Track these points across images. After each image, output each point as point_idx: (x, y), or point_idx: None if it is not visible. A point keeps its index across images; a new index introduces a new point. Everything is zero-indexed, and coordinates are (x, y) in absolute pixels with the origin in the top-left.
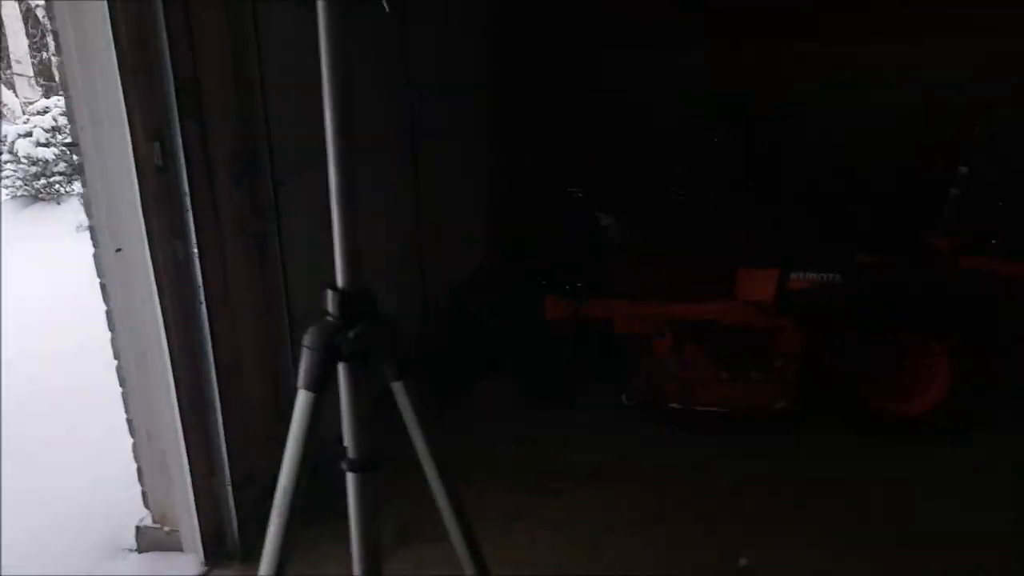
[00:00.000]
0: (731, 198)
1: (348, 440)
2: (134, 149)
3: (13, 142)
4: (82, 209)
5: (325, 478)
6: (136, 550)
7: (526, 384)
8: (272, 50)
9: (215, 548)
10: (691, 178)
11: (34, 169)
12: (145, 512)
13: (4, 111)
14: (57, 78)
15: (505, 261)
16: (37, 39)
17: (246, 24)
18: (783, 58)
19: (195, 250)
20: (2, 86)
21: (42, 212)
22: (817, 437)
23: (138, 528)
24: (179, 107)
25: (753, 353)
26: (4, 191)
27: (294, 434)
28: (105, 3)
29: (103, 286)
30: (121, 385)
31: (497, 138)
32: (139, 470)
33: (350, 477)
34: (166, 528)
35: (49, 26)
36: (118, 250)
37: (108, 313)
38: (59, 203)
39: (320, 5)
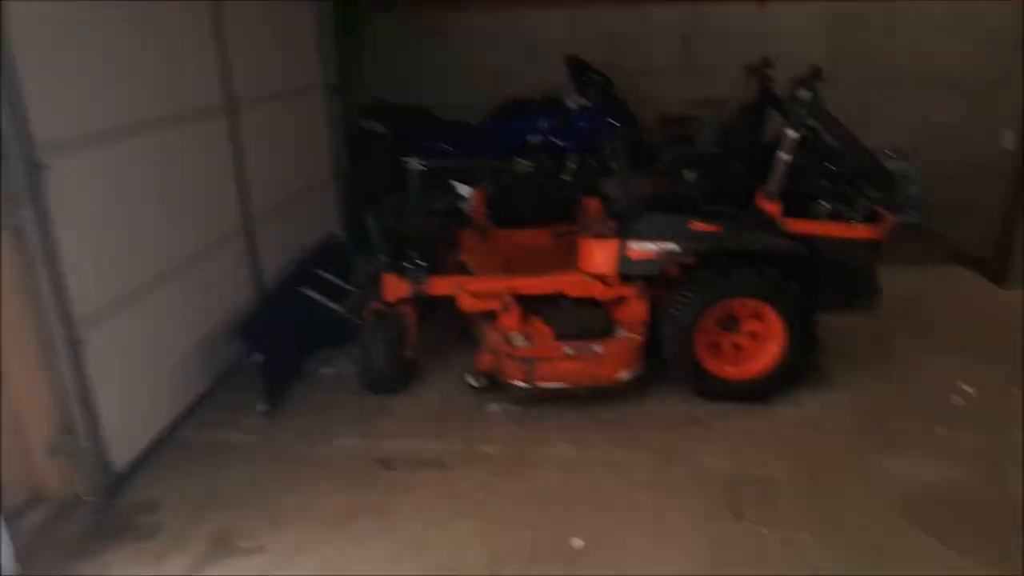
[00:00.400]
0: (581, 168)
1: None
2: None
3: None
4: None
5: None
6: None
7: (363, 369)
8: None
9: None
10: (542, 147)
11: None
12: None
13: None
14: None
15: (352, 235)
16: None
17: None
18: (639, 21)
19: None
20: None
21: None
22: (662, 407)
23: None
24: None
25: (596, 326)
26: None
27: None
28: None
29: None
30: None
31: (344, 103)
32: None
33: None
34: None
35: None
36: None
37: None
38: None
39: None
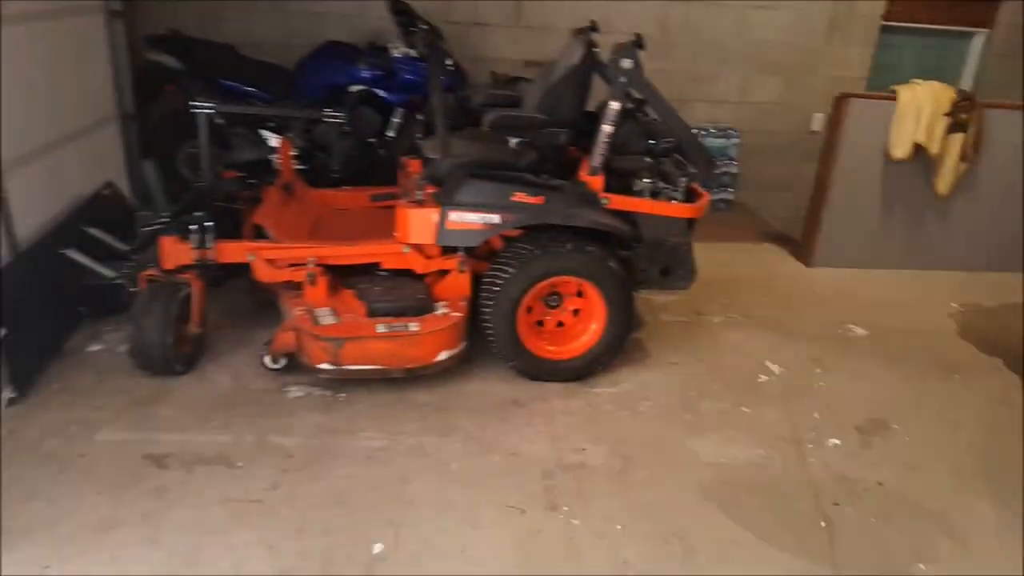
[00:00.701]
0: (405, 125)
1: None
2: None
3: None
4: None
5: None
6: None
7: (135, 347)
8: None
9: None
10: (362, 99)
11: None
12: None
13: None
14: None
15: (137, 186)
16: None
17: None
18: None
19: None
20: None
21: None
22: (483, 388)
23: None
24: None
25: (414, 302)
26: None
27: None
28: None
29: None
30: None
31: (130, 32)
32: None
33: None
34: None
35: None
36: None
37: None
38: None
39: None
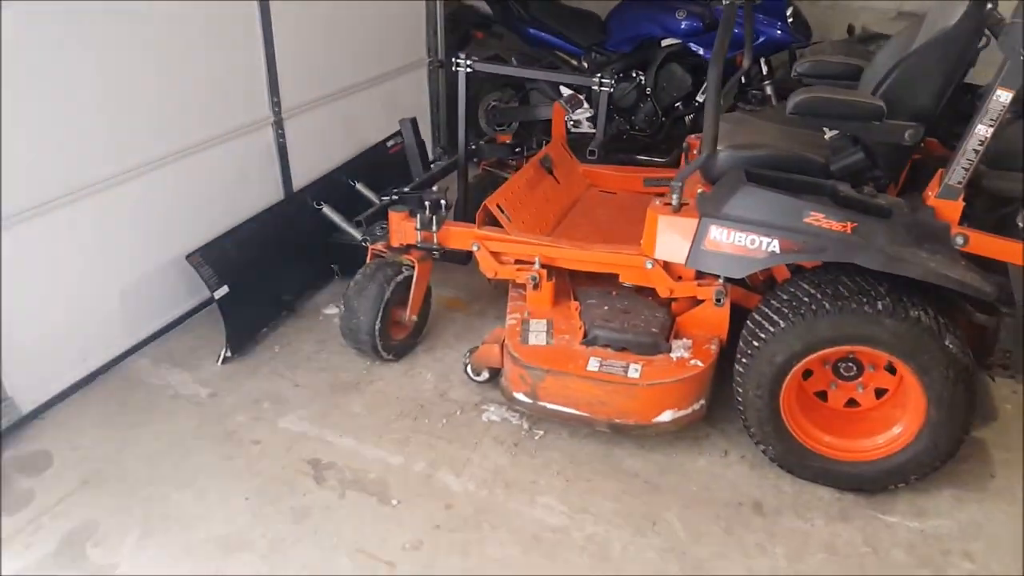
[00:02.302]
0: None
1: None
2: None
3: None
4: None
5: None
6: None
7: (346, 324)
8: None
9: None
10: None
11: None
12: None
13: None
14: None
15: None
16: None
17: None
18: None
19: None
20: None
21: None
22: (714, 471)
23: None
24: None
25: (641, 335)
26: None
27: None
28: None
29: None
30: None
31: None
32: None
33: None
34: None
35: None
36: None
37: None
38: None
39: None
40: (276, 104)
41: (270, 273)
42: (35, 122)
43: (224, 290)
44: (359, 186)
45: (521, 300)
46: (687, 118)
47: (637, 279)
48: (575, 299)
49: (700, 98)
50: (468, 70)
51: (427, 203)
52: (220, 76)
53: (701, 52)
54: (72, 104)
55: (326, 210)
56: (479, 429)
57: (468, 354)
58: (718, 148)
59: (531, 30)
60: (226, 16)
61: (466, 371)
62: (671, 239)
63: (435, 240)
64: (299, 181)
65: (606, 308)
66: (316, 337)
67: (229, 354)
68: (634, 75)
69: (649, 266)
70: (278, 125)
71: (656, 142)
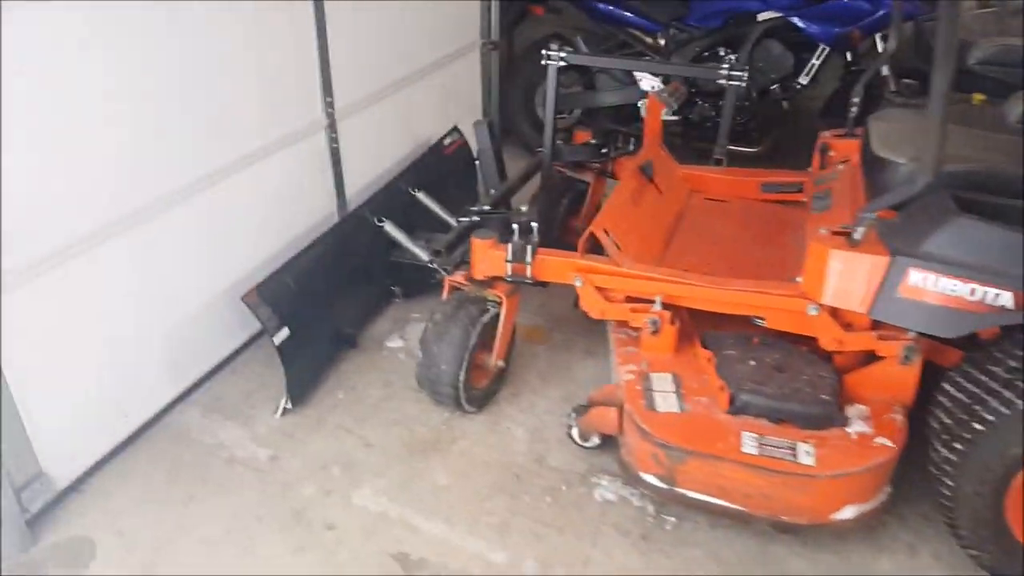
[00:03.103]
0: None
1: None
2: None
3: None
4: None
5: None
6: None
7: (424, 371)
8: None
9: None
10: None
11: None
12: None
13: None
14: None
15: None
16: None
17: None
18: None
19: None
20: None
21: None
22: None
23: None
24: None
25: (810, 402)
26: None
27: None
28: None
29: None
30: None
31: None
32: None
33: None
34: None
35: None
36: None
37: None
38: None
39: None
40: (329, 104)
41: (331, 305)
42: (59, 152)
43: (284, 333)
44: (420, 195)
45: (632, 345)
46: (784, 103)
47: (792, 326)
48: (704, 345)
49: (803, 79)
50: (560, 63)
51: (515, 227)
52: (270, 77)
53: (804, 27)
54: (102, 127)
55: (388, 227)
56: (594, 513)
57: (573, 416)
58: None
59: (600, 4)
60: (275, 7)
61: (570, 435)
62: (848, 281)
63: (528, 273)
64: (352, 189)
65: (752, 363)
66: (382, 377)
67: (289, 406)
68: (722, 54)
69: (813, 312)
70: (331, 128)
71: (747, 130)
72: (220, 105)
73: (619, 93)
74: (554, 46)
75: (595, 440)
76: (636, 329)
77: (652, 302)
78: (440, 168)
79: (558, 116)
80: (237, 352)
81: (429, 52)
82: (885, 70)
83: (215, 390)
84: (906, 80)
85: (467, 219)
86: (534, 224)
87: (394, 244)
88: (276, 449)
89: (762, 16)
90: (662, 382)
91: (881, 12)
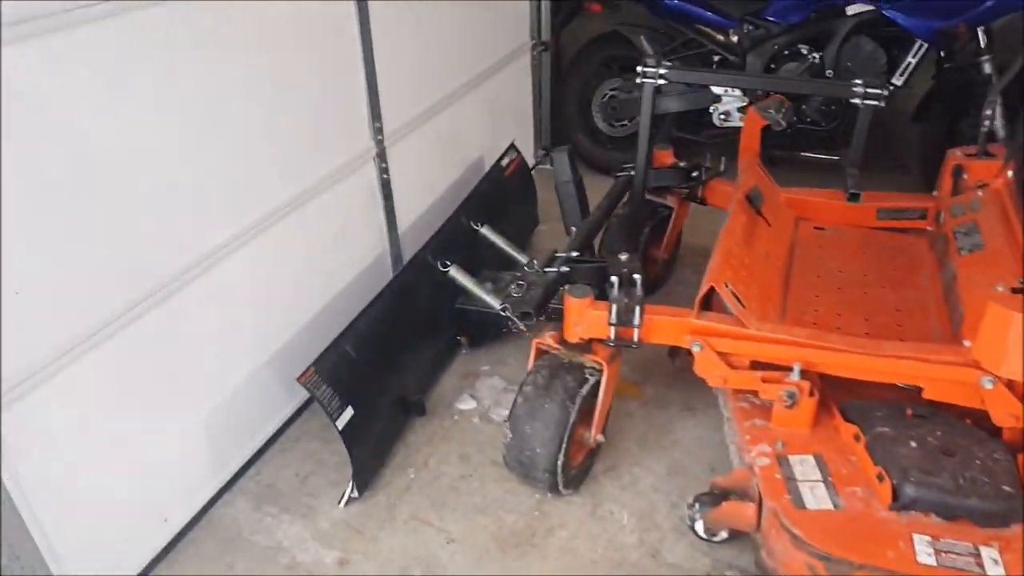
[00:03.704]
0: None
1: None
2: None
3: None
4: None
5: None
6: None
7: (514, 452)
8: None
9: None
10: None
11: None
12: None
13: None
14: None
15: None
16: None
17: None
18: None
19: None
20: None
21: None
22: None
23: None
24: None
25: (990, 496)
26: None
27: None
28: None
29: None
30: None
31: None
32: None
33: None
34: None
35: None
36: None
37: None
38: None
39: None
40: (378, 130)
41: (396, 369)
42: (83, 225)
43: (349, 413)
44: (484, 230)
45: (759, 418)
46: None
47: (957, 398)
48: (846, 418)
49: (897, 80)
50: (659, 81)
51: (615, 279)
52: (315, 107)
53: (900, 21)
54: (125, 192)
55: (454, 272)
56: None
57: (697, 509)
58: None
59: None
60: (319, 28)
61: (693, 528)
62: None
63: (636, 337)
64: (404, 224)
65: (913, 444)
66: (457, 450)
67: (356, 494)
68: (804, 52)
69: (988, 385)
70: (381, 157)
71: (832, 136)
72: (264, 145)
73: (688, 98)
74: (650, 59)
75: (723, 535)
76: (767, 403)
77: (781, 367)
78: (500, 193)
79: (618, 124)
80: (285, 425)
81: (477, 60)
82: (988, 67)
83: (265, 474)
84: None
85: (554, 269)
86: (637, 276)
87: (460, 290)
88: (344, 550)
89: (852, 9)
90: (806, 468)
91: (990, 2)
